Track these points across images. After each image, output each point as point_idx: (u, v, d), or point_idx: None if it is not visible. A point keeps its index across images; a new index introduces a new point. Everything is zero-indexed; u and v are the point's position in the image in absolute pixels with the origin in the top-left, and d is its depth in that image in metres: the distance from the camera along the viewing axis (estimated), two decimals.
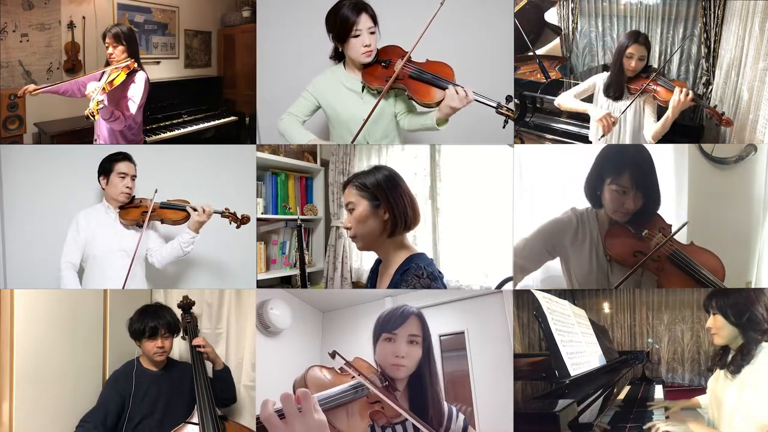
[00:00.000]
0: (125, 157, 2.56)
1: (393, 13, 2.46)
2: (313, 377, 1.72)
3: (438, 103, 2.35)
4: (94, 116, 2.48)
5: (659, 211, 2.37)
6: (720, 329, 2.12)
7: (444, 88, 2.33)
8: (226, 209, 2.56)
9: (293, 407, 1.12)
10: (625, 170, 2.29)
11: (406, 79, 2.37)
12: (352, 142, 2.44)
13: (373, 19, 2.32)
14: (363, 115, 2.40)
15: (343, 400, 1.63)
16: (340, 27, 2.31)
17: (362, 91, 2.43)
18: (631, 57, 2.67)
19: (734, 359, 2.09)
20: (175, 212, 2.55)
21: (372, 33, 2.32)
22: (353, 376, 1.70)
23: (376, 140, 2.50)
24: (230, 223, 2.57)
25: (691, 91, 2.56)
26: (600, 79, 2.81)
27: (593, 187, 2.40)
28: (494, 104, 2.31)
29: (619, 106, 2.75)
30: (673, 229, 2.32)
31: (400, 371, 1.79)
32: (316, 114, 2.54)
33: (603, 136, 2.70)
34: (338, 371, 1.77)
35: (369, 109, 2.39)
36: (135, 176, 2.58)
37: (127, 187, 2.54)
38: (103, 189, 2.56)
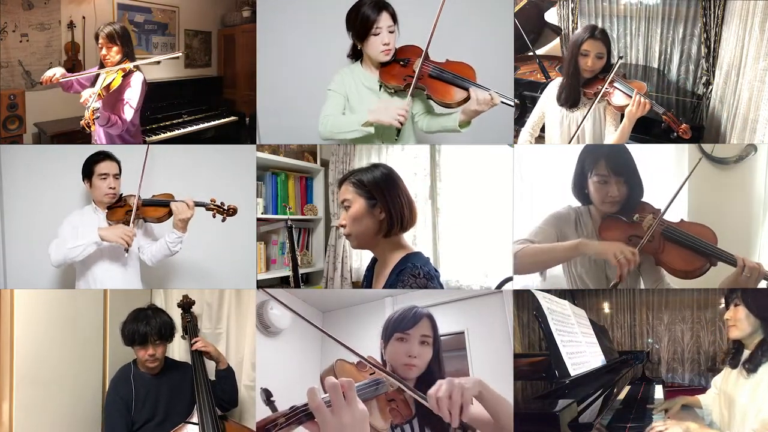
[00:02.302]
0: (105, 156, 2.48)
1: (413, 13, 2.40)
2: (342, 369, 1.71)
3: (459, 104, 2.30)
4: (90, 126, 2.40)
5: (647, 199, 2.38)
6: (739, 321, 2.13)
7: (465, 88, 2.29)
8: (211, 201, 2.47)
9: (340, 396, 1.13)
10: (600, 159, 2.32)
11: (425, 78, 2.33)
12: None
13: (393, 17, 2.30)
14: None
15: (368, 396, 1.61)
16: (360, 25, 2.29)
17: (380, 89, 2.40)
18: (587, 54, 2.49)
19: (752, 357, 2.08)
20: (156, 209, 2.47)
21: (391, 32, 2.30)
22: (371, 372, 1.68)
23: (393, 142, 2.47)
24: (214, 217, 2.46)
25: (644, 98, 2.39)
26: (546, 97, 2.64)
27: (580, 185, 2.43)
28: (512, 104, 2.29)
29: (575, 116, 2.58)
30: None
31: (411, 371, 1.78)
32: None
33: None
34: (357, 366, 1.76)
35: None
36: (118, 174, 2.49)
37: (110, 187, 2.47)
38: (90, 192, 2.52)
